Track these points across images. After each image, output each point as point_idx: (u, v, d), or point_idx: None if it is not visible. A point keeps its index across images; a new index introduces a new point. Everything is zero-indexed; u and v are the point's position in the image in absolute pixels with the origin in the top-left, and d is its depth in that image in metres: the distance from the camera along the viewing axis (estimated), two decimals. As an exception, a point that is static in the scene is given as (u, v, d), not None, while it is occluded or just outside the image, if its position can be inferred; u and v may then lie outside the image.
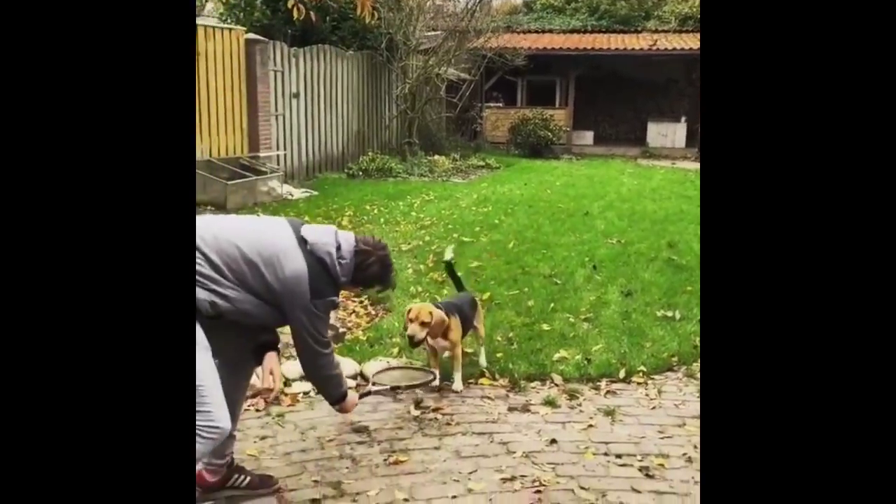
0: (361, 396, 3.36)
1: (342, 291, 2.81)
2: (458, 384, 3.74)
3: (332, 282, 2.58)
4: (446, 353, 3.83)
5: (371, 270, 2.68)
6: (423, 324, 3.52)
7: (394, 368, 3.77)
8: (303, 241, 2.55)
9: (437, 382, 3.74)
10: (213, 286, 2.36)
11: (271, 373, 2.68)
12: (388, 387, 3.39)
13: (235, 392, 2.66)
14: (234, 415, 2.68)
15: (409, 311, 3.61)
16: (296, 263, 2.48)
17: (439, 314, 3.61)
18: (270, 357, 2.69)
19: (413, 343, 3.58)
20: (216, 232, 2.42)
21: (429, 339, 3.65)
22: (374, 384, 3.40)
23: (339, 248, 2.60)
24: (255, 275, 2.42)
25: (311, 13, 5.05)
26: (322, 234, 2.60)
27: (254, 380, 3.60)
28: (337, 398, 2.84)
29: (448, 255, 4.26)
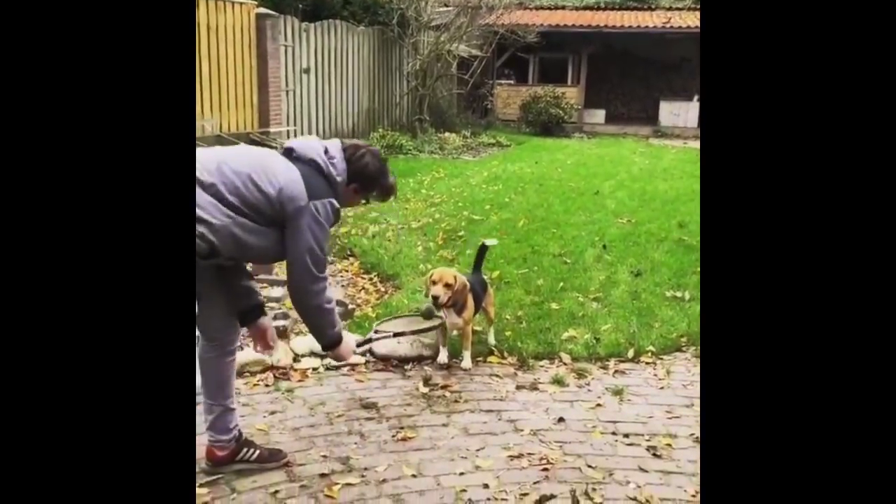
0: (360, 345, 3.28)
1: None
2: (466, 362, 3.75)
3: (327, 181, 2.51)
4: (455, 332, 3.84)
5: (364, 161, 2.61)
6: (446, 285, 3.56)
7: (398, 317, 3.72)
8: (289, 152, 2.53)
9: (445, 360, 3.76)
10: (203, 215, 2.26)
11: (267, 336, 2.67)
12: (391, 334, 3.33)
13: (227, 369, 2.67)
14: (228, 390, 2.68)
15: (432, 274, 3.66)
16: (288, 169, 2.44)
17: (462, 279, 3.67)
18: (261, 321, 2.68)
19: (438, 305, 3.58)
20: (201, 156, 2.34)
21: (444, 312, 3.66)
22: (375, 332, 3.34)
23: (326, 150, 2.56)
24: (248, 186, 2.34)
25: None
26: (307, 141, 2.59)
27: (263, 356, 3.62)
28: (331, 339, 2.71)
29: (491, 242, 4.27)
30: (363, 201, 2.78)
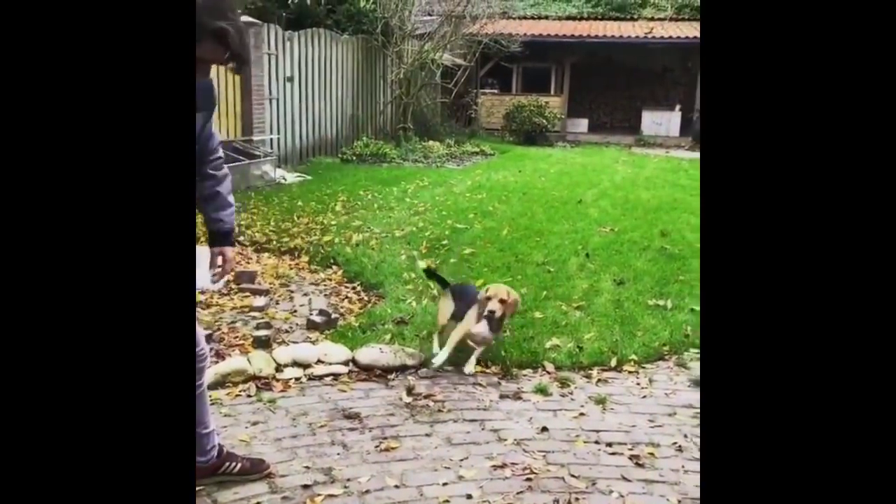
0: None
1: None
2: (471, 367, 3.80)
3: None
4: (479, 345, 3.89)
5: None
6: (501, 301, 3.75)
7: None
8: None
9: (443, 361, 3.77)
10: None
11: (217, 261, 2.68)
12: None
13: (197, 402, 2.55)
14: (199, 418, 2.58)
15: (488, 290, 3.83)
16: None
17: (516, 294, 3.91)
18: (224, 249, 2.69)
19: (494, 319, 3.74)
20: None
21: (481, 325, 3.79)
22: None
23: None
24: None
25: (306, -4, 5.00)
26: None
27: (245, 365, 3.61)
28: None
29: (421, 265, 4.37)
30: (224, 58, 2.35)
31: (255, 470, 2.75)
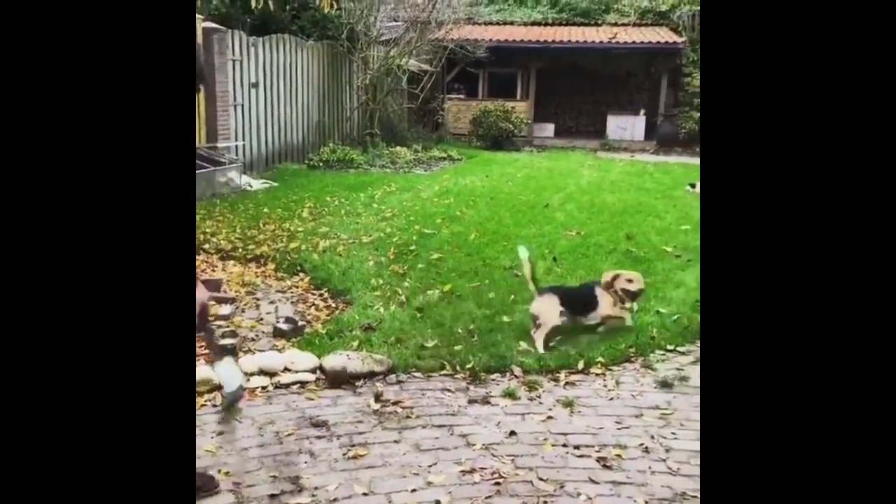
0: None
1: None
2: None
3: None
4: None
5: None
6: (629, 280, 4.38)
7: None
8: None
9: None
10: None
11: None
12: None
13: None
14: None
15: (616, 275, 4.43)
16: None
17: (641, 277, 4.52)
18: None
19: (626, 298, 4.41)
20: None
21: (616, 309, 4.42)
22: None
23: None
24: None
25: (270, 2, 4.98)
26: None
27: (211, 375, 3.56)
28: None
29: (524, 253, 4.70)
30: None
31: (205, 488, 2.66)
